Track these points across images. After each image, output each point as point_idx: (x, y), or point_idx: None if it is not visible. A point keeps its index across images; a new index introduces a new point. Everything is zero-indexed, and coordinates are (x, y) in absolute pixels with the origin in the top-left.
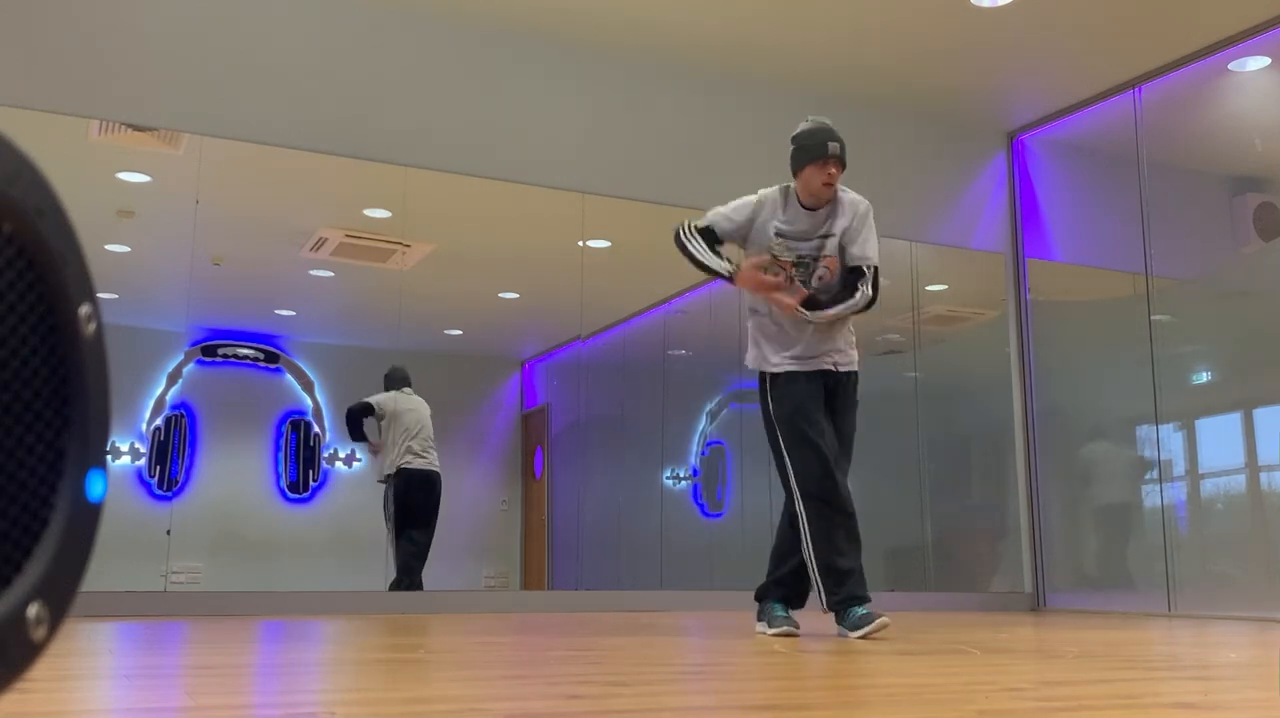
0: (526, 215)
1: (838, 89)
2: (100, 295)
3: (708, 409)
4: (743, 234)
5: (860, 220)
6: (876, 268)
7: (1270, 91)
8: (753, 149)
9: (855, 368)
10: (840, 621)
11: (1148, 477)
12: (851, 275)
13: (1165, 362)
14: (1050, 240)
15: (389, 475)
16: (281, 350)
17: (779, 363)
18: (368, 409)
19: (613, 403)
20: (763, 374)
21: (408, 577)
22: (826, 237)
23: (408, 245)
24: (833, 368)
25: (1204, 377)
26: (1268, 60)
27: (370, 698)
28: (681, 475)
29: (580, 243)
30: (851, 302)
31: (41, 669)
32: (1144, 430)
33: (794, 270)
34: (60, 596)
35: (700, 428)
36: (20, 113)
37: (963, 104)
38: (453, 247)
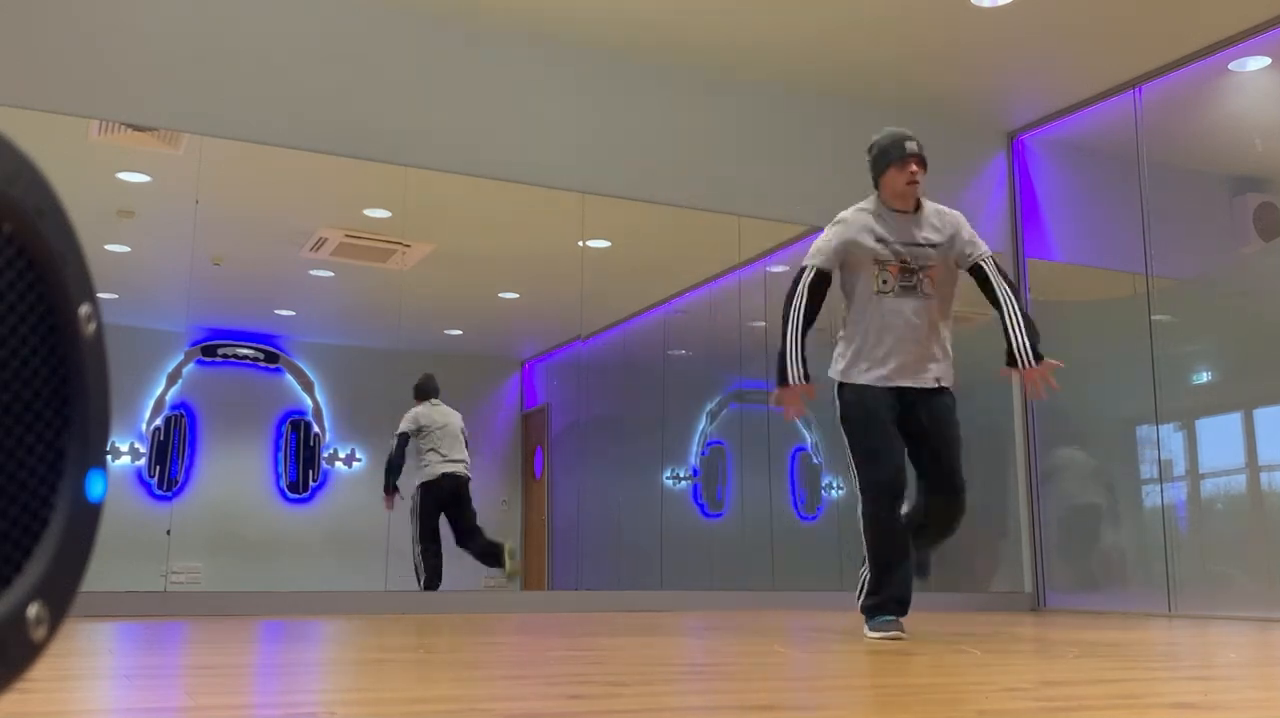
0: (526, 215)
1: (837, 88)
2: (100, 295)
3: (708, 409)
4: (839, 259)
5: (957, 227)
6: (990, 256)
7: (1270, 91)
8: (753, 148)
9: (934, 384)
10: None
11: (1141, 478)
12: (976, 277)
13: (1165, 362)
14: (1050, 240)
15: (418, 486)
16: (281, 350)
17: (851, 373)
18: (404, 441)
19: (613, 403)
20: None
21: (438, 579)
22: (926, 246)
23: (408, 245)
24: (910, 385)
25: (1204, 377)
26: (1268, 60)
27: (370, 698)
28: (681, 475)
29: (580, 243)
30: (1009, 311)
31: (41, 669)
32: (1144, 430)
33: (899, 275)
34: (60, 596)
35: (700, 428)
36: (20, 113)
37: (963, 104)
38: (453, 247)
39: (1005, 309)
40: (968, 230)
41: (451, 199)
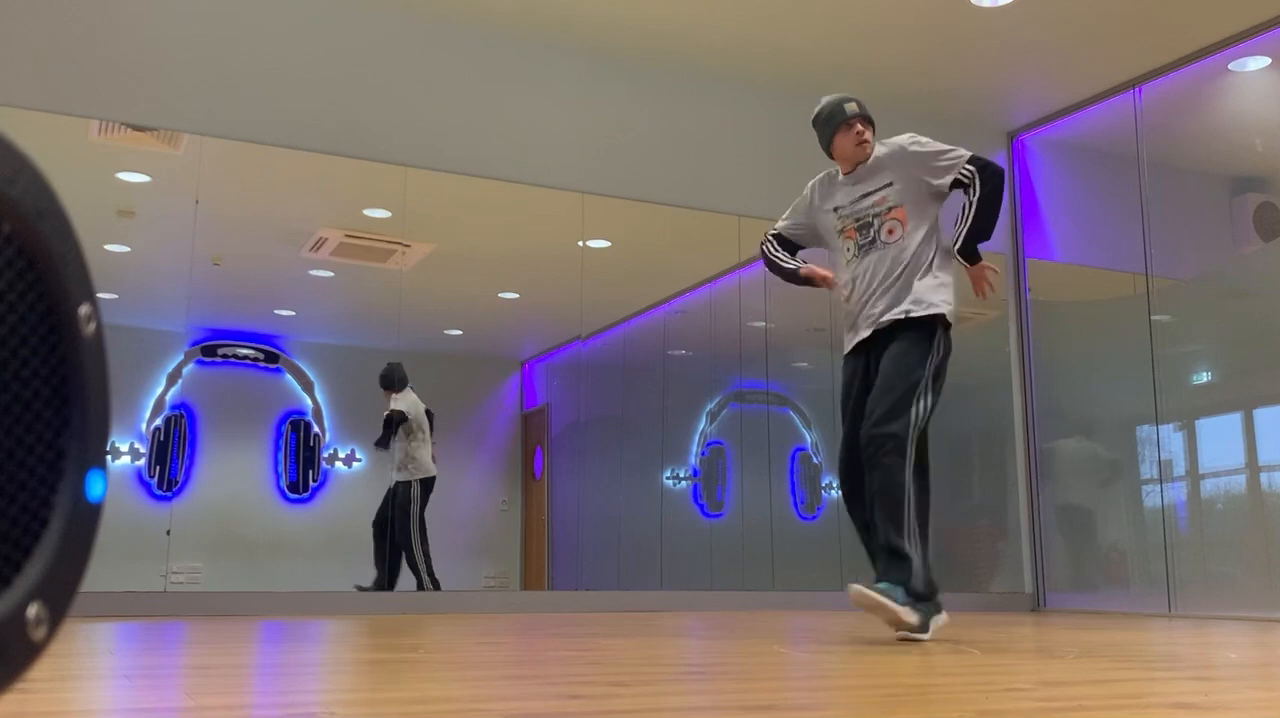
0: (526, 215)
1: (838, 89)
2: (100, 295)
3: (708, 409)
4: (810, 229)
5: (912, 152)
6: (970, 156)
7: (1270, 91)
8: (752, 149)
9: (898, 316)
10: None
11: (1141, 478)
12: (959, 188)
13: (1165, 362)
14: (1050, 240)
15: (425, 479)
16: (281, 350)
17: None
18: (403, 419)
19: (613, 403)
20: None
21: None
22: (882, 189)
23: (408, 245)
24: (868, 334)
25: (1204, 377)
26: (1268, 60)
27: (370, 698)
28: (681, 475)
29: (580, 243)
30: (968, 208)
31: (41, 669)
32: (1144, 431)
33: (857, 236)
34: (60, 596)
35: (700, 428)
36: (20, 113)
37: (963, 104)
38: (453, 247)
39: (962, 211)
40: (920, 148)
41: (451, 199)
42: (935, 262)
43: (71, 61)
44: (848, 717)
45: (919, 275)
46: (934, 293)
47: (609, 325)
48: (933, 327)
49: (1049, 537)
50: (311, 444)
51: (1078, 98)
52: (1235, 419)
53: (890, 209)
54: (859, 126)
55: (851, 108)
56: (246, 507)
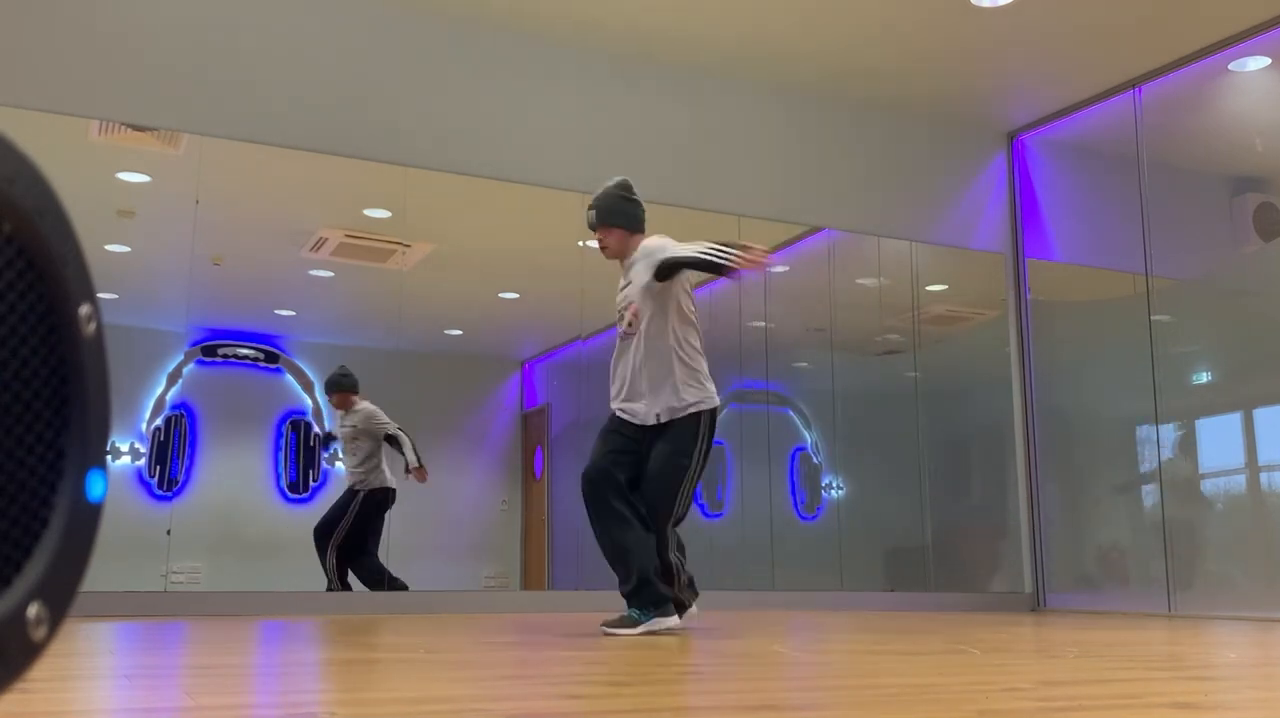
0: (526, 215)
1: (838, 90)
2: (100, 295)
3: None
4: None
5: (639, 258)
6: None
7: (1270, 91)
8: (753, 150)
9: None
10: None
11: (1141, 478)
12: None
13: (1165, 362)
14: (1050, 240)
15: (378, 489)
16: (281, 350)
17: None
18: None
19: None
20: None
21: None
22: (625, 287)
23: (408, 245)
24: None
25: (1204, 377)
26: (1268, 60)
27: (370, 698)
28: None
29: (580, 243)
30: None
31: (41, 669)
32: (1144, 430)
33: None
34: (60, 596)
35: None
36: (20, 113)
37: (963, 104)
38: (453, 247)
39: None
40: (655, 254)
41: (451, 199)
42: None
43: (71, 61)
44: (848, 717)
45: (659, 379)
46: None
47: (609, 325)
48: None
49: (1050, 539)
50: (312, 444)
51: (1078, 98)
52: (1235, 419)
53: (631, 303)
54: (597, 238)
55: (589, 217)
56: (246, 507)
